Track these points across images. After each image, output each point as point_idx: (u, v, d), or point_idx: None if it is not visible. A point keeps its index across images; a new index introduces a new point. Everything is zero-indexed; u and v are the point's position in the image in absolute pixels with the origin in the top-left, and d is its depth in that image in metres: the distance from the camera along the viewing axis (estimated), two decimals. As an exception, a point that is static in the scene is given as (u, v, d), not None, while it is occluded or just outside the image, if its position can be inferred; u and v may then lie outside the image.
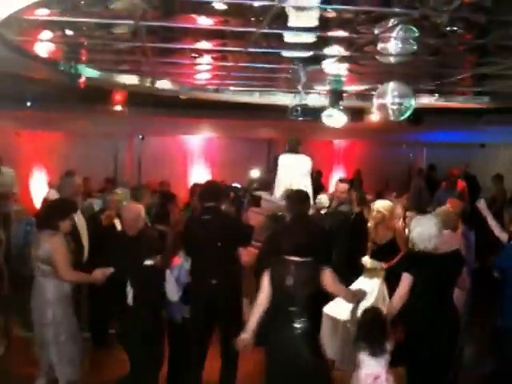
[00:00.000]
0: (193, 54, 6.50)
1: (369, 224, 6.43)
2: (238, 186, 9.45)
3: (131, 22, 5.02)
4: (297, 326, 4.08)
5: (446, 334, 4.44)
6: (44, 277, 4.86)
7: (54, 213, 5.03)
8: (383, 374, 4.21)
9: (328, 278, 4.17)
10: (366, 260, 6.17)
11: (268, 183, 9.32)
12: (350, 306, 4.59)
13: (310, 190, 7.59)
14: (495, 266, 5.36)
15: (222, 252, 5.21)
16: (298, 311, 4.10)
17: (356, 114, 9.33)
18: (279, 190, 7.89)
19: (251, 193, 8.27)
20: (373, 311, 4.43)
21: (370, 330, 4.24)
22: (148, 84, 8.66)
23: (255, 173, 11.77)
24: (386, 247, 6.18)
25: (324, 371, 4.33)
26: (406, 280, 4.37)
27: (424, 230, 4.48)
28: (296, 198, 5.65)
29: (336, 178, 12.11)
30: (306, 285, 4.12)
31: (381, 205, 6.37)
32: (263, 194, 8.03)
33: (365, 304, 4.92)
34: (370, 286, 5.83)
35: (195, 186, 7.61)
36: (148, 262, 4.85)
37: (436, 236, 4.46)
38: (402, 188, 11.45)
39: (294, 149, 7.90)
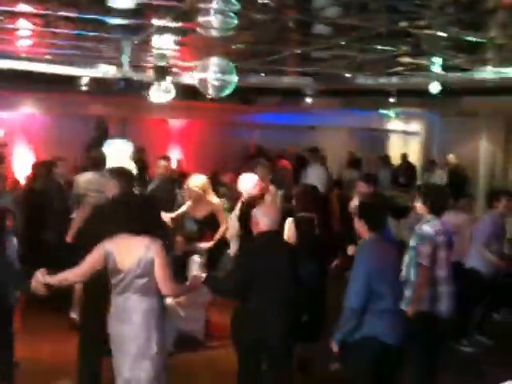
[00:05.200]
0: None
1: (187, 202, 6.52)
2: None
3: None
4: None
5: None
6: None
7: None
8: None
9: None
10: None
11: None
12: None
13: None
14: None
15: None
16: None
17: (191, 92, 9.13)
18: None
19: None
20: None
21: None
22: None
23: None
24: (205, 221, 6.46)
25: None
26: None
27: None
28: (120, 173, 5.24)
29: (173, 158, 11.99)
30: None
31: (195, 182, 6.43)
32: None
33: None
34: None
35: None
36: None
37: None
38: (238, 168, 11.51)
39: (103, 134, 7.71)
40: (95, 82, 9.45)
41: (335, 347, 4.30)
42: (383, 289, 4.14)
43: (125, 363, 4.06)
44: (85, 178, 6.89)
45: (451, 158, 13.14)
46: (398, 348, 4.25)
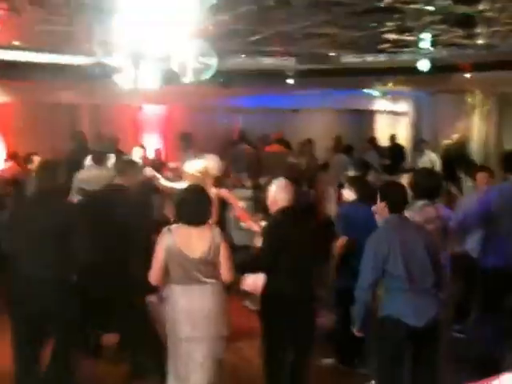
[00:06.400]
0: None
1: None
2: None
3: None
4: None
5: None
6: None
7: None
8: None
9: None
10: None
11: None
12: None
13: None
14: None
15: None
16: None
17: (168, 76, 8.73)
18: None
19: None
20: None
21: None
22: None
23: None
24: None
25: None
26: None
27: None
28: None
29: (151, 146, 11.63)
30: None
31: (193, 166, 5.92)
32: None
33: None
34: None
35: None
36: None
37: None
38: (219, 154, 11.14)
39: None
40: (66, 68, 9.03)
41: (358, 332, 4.32)
42: (397, 268, 4.07)
43: (196, 347, 4.10)
44: (83, 175, 6.98)
45: (455, 136, 12.83)
46: (424, 330, 4.11)
